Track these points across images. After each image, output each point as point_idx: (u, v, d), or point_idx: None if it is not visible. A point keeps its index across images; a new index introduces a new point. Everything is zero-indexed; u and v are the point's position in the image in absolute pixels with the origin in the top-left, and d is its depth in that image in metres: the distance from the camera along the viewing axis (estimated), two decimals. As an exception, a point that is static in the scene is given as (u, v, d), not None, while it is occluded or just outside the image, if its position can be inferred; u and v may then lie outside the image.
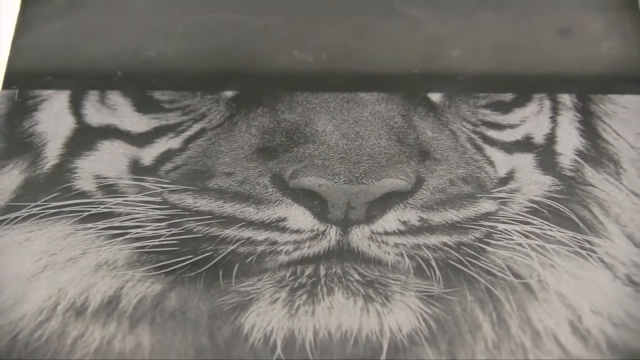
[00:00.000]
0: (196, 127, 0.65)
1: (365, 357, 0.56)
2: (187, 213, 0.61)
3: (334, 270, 0.58)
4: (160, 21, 0.72)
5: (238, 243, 0.59)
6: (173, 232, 0.60)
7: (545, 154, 0.65)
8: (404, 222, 0.60)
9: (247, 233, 0.59)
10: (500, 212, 0.61)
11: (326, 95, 0.66)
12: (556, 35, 0.71)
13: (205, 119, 0.66)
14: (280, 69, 0.69)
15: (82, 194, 0.62)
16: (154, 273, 0.59)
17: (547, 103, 0.67)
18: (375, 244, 0.59)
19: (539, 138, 0.65)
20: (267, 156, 0.62)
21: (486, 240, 0.60)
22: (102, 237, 0.60)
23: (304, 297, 0.58)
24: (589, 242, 0.60)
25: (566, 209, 0.62)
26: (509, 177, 0.63)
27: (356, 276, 0.58)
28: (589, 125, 0.66)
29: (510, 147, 0.65)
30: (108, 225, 0.60)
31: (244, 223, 0.60)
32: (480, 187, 0.62)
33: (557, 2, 0.73)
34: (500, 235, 0.60)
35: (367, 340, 0.57)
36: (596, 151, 0.65)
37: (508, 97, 0.68)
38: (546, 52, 0.70)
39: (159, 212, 0.61)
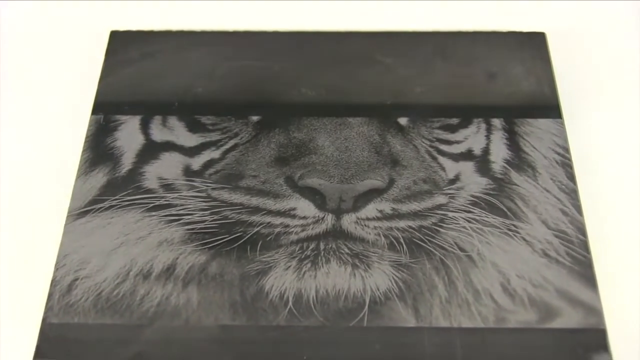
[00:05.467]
0: (231, 142, 0.70)
1: (353, 309, 0.61)
2: (225, 204, 0.66)
3: (330, 245, 0.64)
4: (206, 67, 0.77)
5: (261, 226, 0.64)
6: (214, 218, 0.65)
7: (482, 162, 0.70)
8: (380, 211, 0.65)
9: (267, 219, 0.65)
10: (450, 204, 0.67)
11: (324, 120, 0.71)
12: (489, 77, 0.75)
13: (238, 137, 0.70)
14: (292, 100, 0.73)
15: (149, 191, 0.67)
16: (200, 248, 0.64)
17: (483, 125, 0.72)
18: (360, 227, 0.64)
19: (477, 150, 0.71)
20: (282, 163, 0.68)
21: (440, 224, 0.65)
22: (162, 222, 0.65)
23: (309, 265, 0.63)
24: (514, 225, 0.65)
25: (497, 201, 0.67)
26: (456, 179, 0.69)
27: (346, 250, 0.64)
28: (513, 141, 0.71)
29: (457, 157, 0.70)
30: (167, 213, 0.66)
31: (265, 212, 0.65)
32: (435, 186, 0.67)
33: (489, 55, 0.77)
34: (450, 221, 0.65)
35: (354, 296, 0.62)
36: (519, 160, 0.70)
37: (455, 121, 0.72)
38: (482, 89, 0.74)
39: (204, 204, 0.66)
